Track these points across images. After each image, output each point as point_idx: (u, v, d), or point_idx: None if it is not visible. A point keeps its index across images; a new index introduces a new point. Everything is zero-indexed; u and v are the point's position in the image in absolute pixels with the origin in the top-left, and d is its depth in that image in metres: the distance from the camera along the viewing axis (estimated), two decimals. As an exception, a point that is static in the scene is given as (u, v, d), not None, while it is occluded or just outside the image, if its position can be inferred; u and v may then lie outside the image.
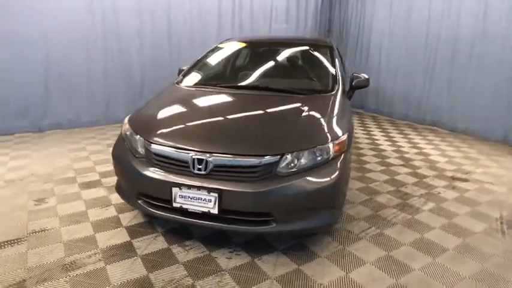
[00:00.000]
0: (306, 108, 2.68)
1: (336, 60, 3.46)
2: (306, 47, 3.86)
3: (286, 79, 3.42)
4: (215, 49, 3.79)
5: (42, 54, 5.06)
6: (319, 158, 2.27)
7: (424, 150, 4.94)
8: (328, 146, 2.30)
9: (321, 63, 3.52)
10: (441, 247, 2.56)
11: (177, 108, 2.81)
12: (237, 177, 2.16)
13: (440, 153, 4.84)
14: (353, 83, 3.40)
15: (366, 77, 3.46)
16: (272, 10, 7.20)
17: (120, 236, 2.58)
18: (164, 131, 2.45)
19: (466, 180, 3.88)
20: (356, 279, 2.18)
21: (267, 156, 2.16)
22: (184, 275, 2.18)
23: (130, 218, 2.83)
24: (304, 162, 2.23)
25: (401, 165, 4.31)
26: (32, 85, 5.07)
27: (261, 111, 2.72)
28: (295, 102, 2.79)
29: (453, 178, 3.94)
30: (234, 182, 2.15)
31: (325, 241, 2.59)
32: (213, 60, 3.67)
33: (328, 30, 8.20)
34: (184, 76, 3.42)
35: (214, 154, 2.19)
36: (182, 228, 2.68)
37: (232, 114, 2.70)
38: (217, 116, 2.61)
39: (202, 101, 2.96)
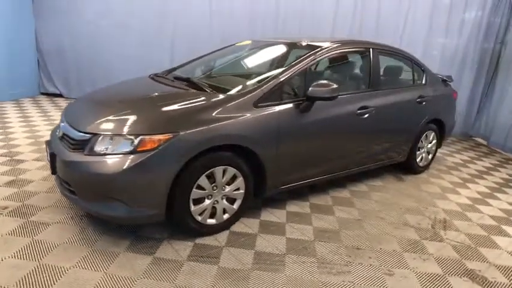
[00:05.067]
0: (175, 100, 2.54)
1: (305, 62, 2.83)
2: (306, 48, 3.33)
3: (237, 78, 3.20)
4: (226, 47, 3.87)
5: (169, 52, 6.54)
6: (125, 148, 2.20)
7: (505, 227, 3.11)
8: (132, 137, 2.20)
9: (283, 65, 2.99)
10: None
11: (107, 90, 3.19)
12: (67, 146, 2.43)
13: (533, 238, 2.92)
14: (307, 93, 2.71)
15: (334, 86, 2.68)
16: (408, 14, 6.03)
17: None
18: (72, 103, 2.99)
19: None
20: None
21: (81, 133, 2.33)
22: (36, 222, 2.57)
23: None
24: (112, 147, 2.23)
25: (432, 232, 2.97)
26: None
27: (144, 99, 2.76)
28: (184, 95, 2.69)
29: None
30: (62, 149, 2.43)
31: (149, 243, 2.41)
32: (212, 56, 3.76)
33: (501, 42, 5.99)
34: (174, 68, 3.72)
35: (66, 122, 2.54)
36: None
37: (123, 98, 2.84)
38: (112, 98, 2.86)
39: (130, 87, 3.21)
